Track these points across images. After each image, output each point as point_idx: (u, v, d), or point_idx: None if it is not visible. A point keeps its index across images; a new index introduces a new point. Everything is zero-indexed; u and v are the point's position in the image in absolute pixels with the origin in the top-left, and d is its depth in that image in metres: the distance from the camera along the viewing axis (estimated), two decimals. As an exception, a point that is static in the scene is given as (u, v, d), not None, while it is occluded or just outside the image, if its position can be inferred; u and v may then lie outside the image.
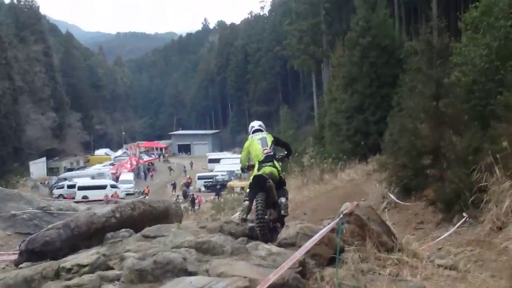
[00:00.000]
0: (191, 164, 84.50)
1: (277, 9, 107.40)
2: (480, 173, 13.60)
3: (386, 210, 19.23)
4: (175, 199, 48.43)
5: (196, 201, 46.57)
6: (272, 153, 8.52)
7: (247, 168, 9.04)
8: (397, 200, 18.62)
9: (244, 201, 8.49)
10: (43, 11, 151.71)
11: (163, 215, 9.40)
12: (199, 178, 62.71)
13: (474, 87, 15.60)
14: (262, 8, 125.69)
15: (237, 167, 60.81)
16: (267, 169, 8.27)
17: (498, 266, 8.86)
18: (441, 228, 15.10)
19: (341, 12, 56.38)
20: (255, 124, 9.23)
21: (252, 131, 9.06)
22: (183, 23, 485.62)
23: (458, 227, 13.54)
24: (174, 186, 60.76)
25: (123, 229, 8.33)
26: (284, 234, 7.41)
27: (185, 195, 51.35)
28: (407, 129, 16.41)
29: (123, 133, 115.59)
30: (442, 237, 12.47)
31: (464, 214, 13.10)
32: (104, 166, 76.12)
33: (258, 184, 8.06)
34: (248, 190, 8.50)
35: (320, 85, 67.94)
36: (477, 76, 15.57)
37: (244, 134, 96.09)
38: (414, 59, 17.56)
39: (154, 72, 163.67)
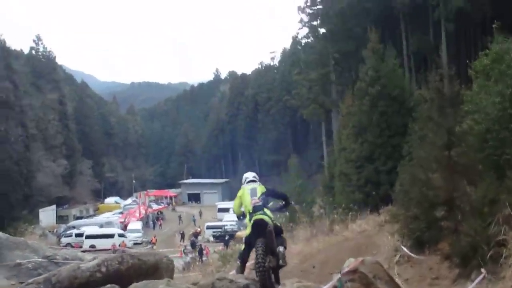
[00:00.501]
0: (200, 213, 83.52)
1: (287, 59, 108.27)
2: (498, 226, 12.98)
3: (398, 264, 18.45)
4: (183, 249, 47.68)
5: (204, 251, 45.55)
6: (260, 203, 8.36)
7: (242, 215, 8.82)
8: (410, 254, 17.84)
9: (237, 260, 8.34)
10: (60, 61, 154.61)
11: (152, 270, 8.74)
12: (208, 227, 61.71)
13: (488, 136, 15.07)
14: (272, 58, 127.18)
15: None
16: (258, 217, 8.11)
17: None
18: (458, 285, 14.30)
19: (350, 62, 56.48)
20: (249, 175, 9.22)
21: (245, 181, 9.06)
22: (196, 73, 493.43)
23: (477, 283, 12.82)
24: (182, 235, 59.78)
25: (109, 285, 7.73)
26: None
27: (193, 245, 50.36)
28: (418, 179, 15.84)
29: (134, 181, 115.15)
30: (460, 295, 11.75)
31: (483, 270, 12.40)
32: (113, 214, 75.28)
33: (258, 229, 7.96)
34: (245, 236, 8.46)
35: (330, 135, 67.53)
36: (490, 124, 15.07)
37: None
38: (424, 108, 17.13)
39: (166, 121, 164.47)
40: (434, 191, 14.99)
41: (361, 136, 36.06)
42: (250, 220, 8.22)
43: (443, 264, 15.72)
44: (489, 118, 15.14)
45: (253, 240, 8.02)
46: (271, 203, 8.76)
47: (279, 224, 8.70)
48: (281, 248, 7.99)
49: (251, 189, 8.66)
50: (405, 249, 18.28)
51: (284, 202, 9.22)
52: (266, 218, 8.14)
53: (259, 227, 7.96)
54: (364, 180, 33.60)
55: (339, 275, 6.68)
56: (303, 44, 74.92)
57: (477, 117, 15.51)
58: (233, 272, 21.26)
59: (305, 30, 70.39)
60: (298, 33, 74.76)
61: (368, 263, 7.51)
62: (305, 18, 67.05)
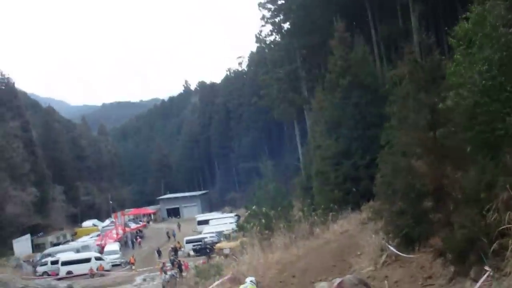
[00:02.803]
0: (179, 226, 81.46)
1: (255, 62, 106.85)
2: (498, 213, 11.07)
3: (386, 264, 16.62)
4: (161, 266, 45.49)
5: (183, 267, 43.35)
6: None
7: None
8: (398, 252, 16.03)
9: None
10: (29, 89, 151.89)
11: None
12: (187, 242, 59.55)
13: (477, 111, 13.02)
14: (240, 63, 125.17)
15: (226, 227, 58.07)
16: None
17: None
18: (456, 284, 12.46)
19: (318, 56, 54.80)
20: (248, 280, 12.78)
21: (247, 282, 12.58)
22: (166, 88, 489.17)
23: (478, 281, 10.96)
24: (159, 253, 57.62)
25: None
26: None
27: (173, 262, 48.11)
28: (401, 168, 13.84)
29: (111, 202, 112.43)
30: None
31: (487, 268, 10.43)
32: (91, 237, 73.27)
33: None
34: None
35: (304, 134, 65.66)
36: (478, 97, 13.03)
37: (233, 192, 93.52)
38: (402, 86, 15.09)
39: (139, 138, 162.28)
40: (420, 179, 12.97)
41: (335, 131, 34.41)
42: None
43: (436, 261, 14.09)
44: (476, 90, 13.10)
45: None
46: None
47: None
48: None
49: None
50: (391, 247, 16.53)
51: None
52: None
53: None
54: (342, 177, 31.83)
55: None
56: (267, 42, 72.85)
57: (462, 91, 13.45)
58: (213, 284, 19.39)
59: (269, 27, 68.72)
60: (261, 31, 72.64)
61: (349, 283, 5.44)
62: (267, 14, 65.37)
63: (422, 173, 13.17)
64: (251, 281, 12.67)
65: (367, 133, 32.14)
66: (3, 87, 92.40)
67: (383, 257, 16.70)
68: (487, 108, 13.01)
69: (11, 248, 67.17)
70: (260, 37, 73.29)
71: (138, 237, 76.08)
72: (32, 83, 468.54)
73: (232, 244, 42.97)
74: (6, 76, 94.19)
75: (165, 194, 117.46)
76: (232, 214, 76.35)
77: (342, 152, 32.98)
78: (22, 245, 70.61)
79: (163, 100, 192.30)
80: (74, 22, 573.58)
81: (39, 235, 79.89)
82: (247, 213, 41.01)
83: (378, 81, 36.27)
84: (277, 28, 66.55)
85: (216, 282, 22.00)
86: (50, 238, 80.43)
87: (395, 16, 48.21)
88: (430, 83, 13.22)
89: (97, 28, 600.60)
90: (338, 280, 5.41)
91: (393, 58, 36.49)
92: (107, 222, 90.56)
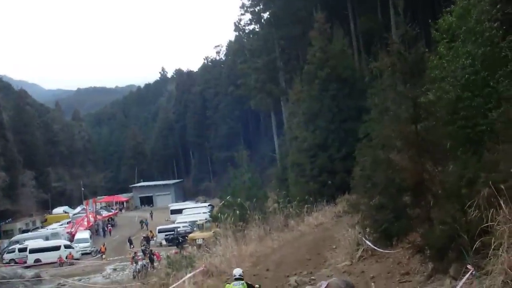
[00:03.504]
0: (151, 214, 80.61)
1: (233, 51, 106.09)
2: (479, 210, 10.82)
3: (362, 259, 16.37)
4: (132, 255, 44.75)
5: (154, 257, 42.62)
6: None
7: None
8: (375, 247, 15.76)
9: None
10: (2, 72, 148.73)
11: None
12: (160, 231, 58.78)
13: (459, 105, 12.78)
14: (218, 52, 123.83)
15: (200, 217, 57.48)
16: None
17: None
18: (434, 282, 12.22)
19: (297, 47, 54.45)
20: (236, 272, 12.19)
21: (234, 278, 12.10)
22: (143, 74, 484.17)
23: (458, 279, 10.71)
24: (130, 242, 56.80)
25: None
26: None
27: (144, 252, 47.35)
28: (381, 161, 13.51)
29: (83, 189, 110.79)
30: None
31: (469, 266, 10.15)
32: (61, 225, 71.89)
33: None
34: None
35: (281, 125, 65.39)
36: (461, 91, 12.78)
37: (207, 182, 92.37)
38: (384, 78, 14.75)
39: (113, 125, 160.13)
40: (400, 174, 12.66)
41: (313, 123, 34.13)
42: None
43: (414, 258, 13.86)
44: (458, 84, 12.84)
45: None
46: None
47: None
48: None
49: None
50: (368, 242, 16.24)
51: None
52: None
53: None
54: (318, 169, 31.62)
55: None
56: (246, 31, 72.24)
57: (444, 85, 13.18)
58: (185, 277, 19.13)
59: (248, 16, 68.15)
60: (240, 19, 71.95)
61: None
62: (247, 3, 64.79)
63: (402, 167, 12.84)
64: (239, 275, 12.11)
65: (343, 126, 32.03)
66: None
67: (359, 252, 16.47)
68: (469, 102, 12.80)
69: (-23, 234, 65.77)
70: (239, 25, 72.79)
71: (109, 225, 74.98)
72: (5, 65, 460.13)
73: (205, 234, 42.52)
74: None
75: (138, 182, 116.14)
76: (206, 204, 75.76)
77: (319, 144, 32.77)
78: (-13, 232, 69.35)
79: (139, 87, 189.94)
80: (52, 5, 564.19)
81: (7, 221, 78.32)
82: (221, 203, 40.54)
83: (356, 74, 36.11)
84: (257, 17, 66.06)
85: (188, 275, 21.52)
86: (19, 225, 78.77)
87: (375, 9, 48.06)
88: (413, 75, 12.89)
89: (74, 12, 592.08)
90: (324, 284, 5.07)
91: (373, 51, 36.28)
92: (78, 209, 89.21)
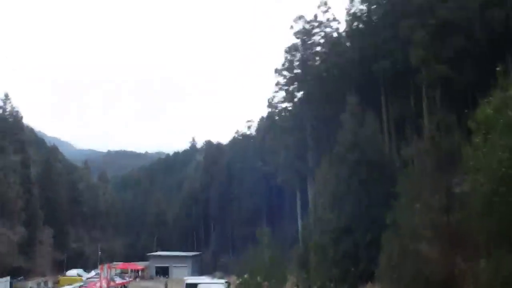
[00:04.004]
0: (166, 285, 78.74)
1: (264, 128, 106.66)
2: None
3: None
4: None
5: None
6: None
7: None
8: None
9: None
10: (36, 127, 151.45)
11: None
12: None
13: (494, 199, 12.07)
14: (249, 127, 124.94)
15: (215, 293, 55.74)
16: None
17: None
18: None
19: (328, 128, 54.40)
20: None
21: None
22: (173, 142, 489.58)
23: None
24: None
25: None
26: None
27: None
28: (409, 251, 12.74)
29: (100, 252, 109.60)
30: None
31: None
32: (73, 288, 70.07)
33: None
34: None
35: (306, 204, 64.49)
36: (496, 185, 12.10)
37: (226, 257, 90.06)
38: (415, 165, 14.16)
39: (138, 190, 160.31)
40: (430, 266, 11.84)
41: (338, 205, 33.33)
42: None
43: None
44: (494, 178, 12.18)
45: None
46: None
47: None
48: None
49: None
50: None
51: None
52: None
53: None
54: (341, 254, 30.40)
55: None
56: (279, 109, 72.92)
57: (479, 177, 12.53)
58: None
59: (282, 94, 68.89)
60: (274, 97, 72.82)
61: None
62: (282, 81, 65.59)
63: (432, 259, 12.06)
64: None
65: (370, 211, 31.04)
66: (11, 120, 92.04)
67: None
68: (505, 197, 12.09)
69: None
70: (272, 102, 73.51)
71: (121, 293, 73.29)
72: (41, 120, 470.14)
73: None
74: (15, 109, 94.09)
75: (157, 250, 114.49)
76: (223, 281, 73.58)
77: (343, 228, 31.85)
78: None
79: (167, 155, 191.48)
80: (90, 68, 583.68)
81: (19, 278, 77.05)
82: (238, 281, 39.31)
83: (385, 159, 35.53)
84: (290, 96, 66.74)
85: None
86: (30, 284, 77.31)
87: (408, 96, 48.12)
88: (447, 164, 12.33)
89: (109, 76, 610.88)
90: None
91: (405, 137, 35.90)
92: (93, 273, 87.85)
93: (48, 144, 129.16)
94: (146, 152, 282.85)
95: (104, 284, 68.70)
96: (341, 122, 39.04)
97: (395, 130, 48.51)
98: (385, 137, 45.29)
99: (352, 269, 28.86)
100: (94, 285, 68.65)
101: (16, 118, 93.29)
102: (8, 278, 71.06)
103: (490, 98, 13.82)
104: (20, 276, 77.01)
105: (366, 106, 41.84)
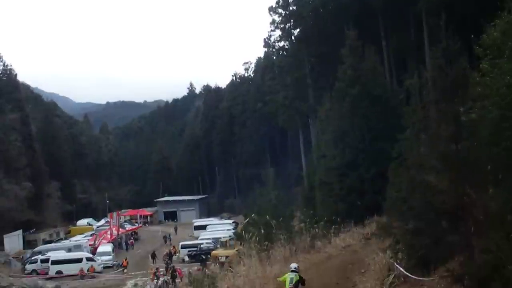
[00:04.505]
0: (176, 229, 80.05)
1: (262, 68, 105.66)
2: (527, 239, 9.96)
3: (393, 286, 15.35)
4: (154, 271, 44.04)
5: (177, 274, 41.77)
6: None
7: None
8: (408, 274, 14.72)
9: None
10: (33, 84, 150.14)
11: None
12: (183, 247, 57.98)
13: (503, 125, 11.88)
14: (246, 69, 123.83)
15: (223, 234, 56.67)
16: None
17: None
18: (473, 314, 11.26)
19: (327, 64, 53.52)
20: (293, 266, 15.65)
21: (290, 270, 15.34)
22: (171, 90, 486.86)
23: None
24: (153, 257, 56.07)
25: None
26: None
27: (166, 268, 46.62)
28: (418, 183, 12.65)
29: (107, 201, 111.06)
30: None
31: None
32: (85, 237, 71.63)
33: None
34: None
35: (308, 143, 64.54)
36: (506, 111, 11.89)
37: (232, 199, 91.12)
38: (423, 95, 13.91)
39: (140, 139, 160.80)
40: (439, 197, 11.77)
41: (342, 141, 33.22)
42: None
43: (451, 287, 12.66)
44: (503, 103, 11.96)
45: None
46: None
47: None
48: None
49: (290, 277, 14.88)
50: (400, 268, 15.22)
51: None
52: None
53: None
54: (347, 189, 30.57)
55: None
56: (276, 48, 71.77)
57: (488, 103, 12.31)
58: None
59: (278, 32, 67.73)
60: (270, 36, 71.59)
61: None
62: (277, 19, 64.36)
63: (441, 190, 11.97)
64: (295, 268, 15.37)
65: (374, 145, 30.96)
66: (4, 78, 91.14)
67: (391, 277, 15.48)
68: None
69: (1, 243, 65.74)
70: (269, 42, 72.39)
71: (132, 239, 74.52)
72: (37, 78, 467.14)
73: (229, 252, 41.79)
74: (9, 67, 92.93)
75: (163, 196, 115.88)
76: (230, 221, 74.78)
77: (348, 163, 31.87)
78: (13, 241, 69.17)
79: (167, 102, 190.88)
80: (83, 20, 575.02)
81: (31, 231, 78.34)
82: (245, 221, 39.80)
83: (388, 92, 35.15)
84: (287, 34, 65.59)
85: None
86: (43, 235, 78.79)
87: (408, 27, 47.18)
88: (454, 92, 12.06)
89: (104, 27, 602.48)
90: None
91: (408, 69, 35.36)
92: (102, 221, 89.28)
93: (46, 100, 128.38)
94: (145, 101, 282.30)
95: (114, 231, 69.92)
96: (340, 58, 38.37)
97: (396, 63, 47.82)
98: (385, 71, 44.65)
99: (358, 203, 29.04)
100: (105, 232, 69.85)
101: (10, 76, 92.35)
102: (20, 231, 72.37)
103: (497, 21, 13.44)
104: (31, 229, 78.40)
105: (365, 40, 41.14)
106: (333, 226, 26.61)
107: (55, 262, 52.87)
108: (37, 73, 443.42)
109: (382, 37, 48.78)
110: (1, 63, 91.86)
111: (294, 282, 14.72)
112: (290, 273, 15.10)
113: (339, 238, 25.84)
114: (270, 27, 68.64)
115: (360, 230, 26.52)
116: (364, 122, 32.25)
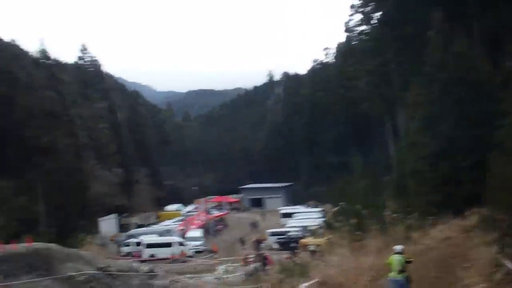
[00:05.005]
0: (263, 216, 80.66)
1: (343, 54, 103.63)
2: None
3: (502, 283, 14.71)
4: (244, 257, 44.70)
5: (267, 260, 42.04)
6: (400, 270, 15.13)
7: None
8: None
9: None
10: (117, 73, 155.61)
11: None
12: (271, 234, 58.28)
13: None
14: (326, 55, 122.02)
15: (311, 222, 56.53)
16: (396, 276, 15.22)
17: None
18: None
19: (411, 49, 51.55)
20: (398, 248, 15.92)
21: (394, 252, 15.69)
22: (250, 78, 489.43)
23: None
24: (242, 242, 56.91)
25: None
26: None
27: (257, 255, 47.04)
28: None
29: (195, 188, 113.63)
30: None
31: None
32: (174, 222, 73.68)
33: (394, 284, 15.12)
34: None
35: (396, 130, 62.72)
36: None
37: (317, 187, 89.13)
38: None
39: (222, 126, 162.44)
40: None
41: (432, 128, 31.94)
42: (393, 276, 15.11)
43: None
44: None
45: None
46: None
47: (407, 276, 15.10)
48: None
49: (398, 259, 15.30)
50: (509, 265, 14.57)
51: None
52: (399, 277, 15.07)
53: (395, 282, 15.10)
54: (441, 179, 29.29)
55: None
56: (357, 33, 70.07)
57: None
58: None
59: (358, 16, 66.38)
60: (350, 20, 70.00)
61: None
62: (357, 3, 62.98)
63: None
64: (400, 250, 15.74)
65: (470, 132, 29.48)
66: (92, 69, 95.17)
67: (498, 275, 14.86)
68: None
69: (97, 227, 68.63)
70: (349, 27, 71.04)
71: (221, 225, 75.80)
72: (120, 67, 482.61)
73: (318, 240, 41.69)
74: (94, 58, 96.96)
75: (247, 183, 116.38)
76: (318, 209, 73.66)
77: (440, 151, 30.59)
78: (108, 224, 72.25)
79: (246, 90, 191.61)
80: (165, 11, 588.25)
81: (124, 215, 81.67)
82: (334, 209, 39.45)
83: (481, 76, 33.49)
84: (367, 18, 64.01)
85: (304, 284, 20.65)
86: (135, 219, 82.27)
87: (498, 5, 44.50)
88: None
89: (184, 17, 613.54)
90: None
91: (504, 51, 33.50)
92: (190, 207, 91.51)
93: (129, 90, 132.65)
94: (225, 89, 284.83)
95: (203, 217, 71.57)
96: (426, 41, 36.93)
97: (489, 44, 45.37)
98: (477, 52, 42.50)
99: (456, 192, 27.86)
100: (194, 218, 71.46)
101: (96, 67, 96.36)
102: (115, 215, 75.73)
103: None
104: (124, 213, 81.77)
105: (454, 21, 39.33)
106: (429, 217, 25.80)
107: (149, 246, 55.40)
108: (119, 62, 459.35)
109: (473, 17, 46.46)
110: (89, 55, 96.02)
111: (401, 264, 15.02)
112: (395, 255, 15.40)
113: (436, 229, 24.98)
114: (350, 11, 67.51)
115: (459, 222, 25.44)
116: (457, 108, 30.83)
